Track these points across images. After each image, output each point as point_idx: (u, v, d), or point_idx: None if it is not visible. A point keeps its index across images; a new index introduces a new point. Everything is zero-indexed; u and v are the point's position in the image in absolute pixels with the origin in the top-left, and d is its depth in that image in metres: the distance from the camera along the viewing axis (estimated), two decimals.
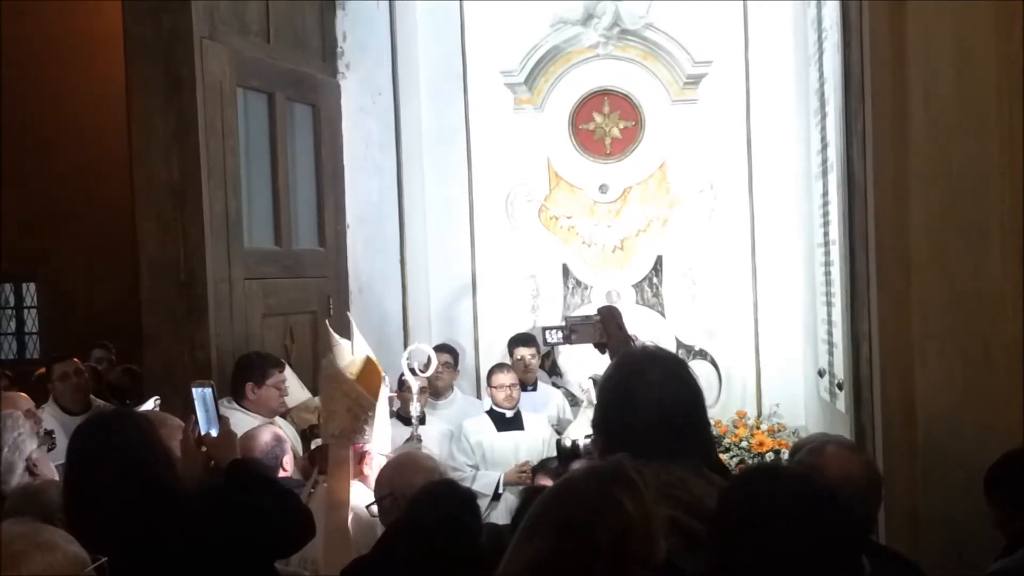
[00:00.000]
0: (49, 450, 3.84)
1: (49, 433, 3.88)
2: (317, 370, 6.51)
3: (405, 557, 2.90)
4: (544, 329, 6.53)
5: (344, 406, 4.14)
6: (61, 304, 12.25)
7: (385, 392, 4.59)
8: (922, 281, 4.13)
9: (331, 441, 4.01)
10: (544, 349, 7.04)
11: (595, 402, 2.72)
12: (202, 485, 3.15)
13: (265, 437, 4.38)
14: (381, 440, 4.41)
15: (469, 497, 3.00)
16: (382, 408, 4.43)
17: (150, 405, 5.43)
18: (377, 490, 3.69)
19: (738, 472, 2.31)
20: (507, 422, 6.57)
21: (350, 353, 5.88)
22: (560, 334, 6.11)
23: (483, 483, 6.25)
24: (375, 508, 3.66)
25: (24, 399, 6.23)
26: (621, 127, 7.49)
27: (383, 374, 4.60)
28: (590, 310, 7.49)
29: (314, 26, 7.15)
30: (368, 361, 4.52)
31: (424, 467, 3.41)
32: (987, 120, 4.04)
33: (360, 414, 4.16)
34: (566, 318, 6.19)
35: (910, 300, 4.16)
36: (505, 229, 7.57)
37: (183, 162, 5.65)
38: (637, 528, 1.90)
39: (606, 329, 4.77)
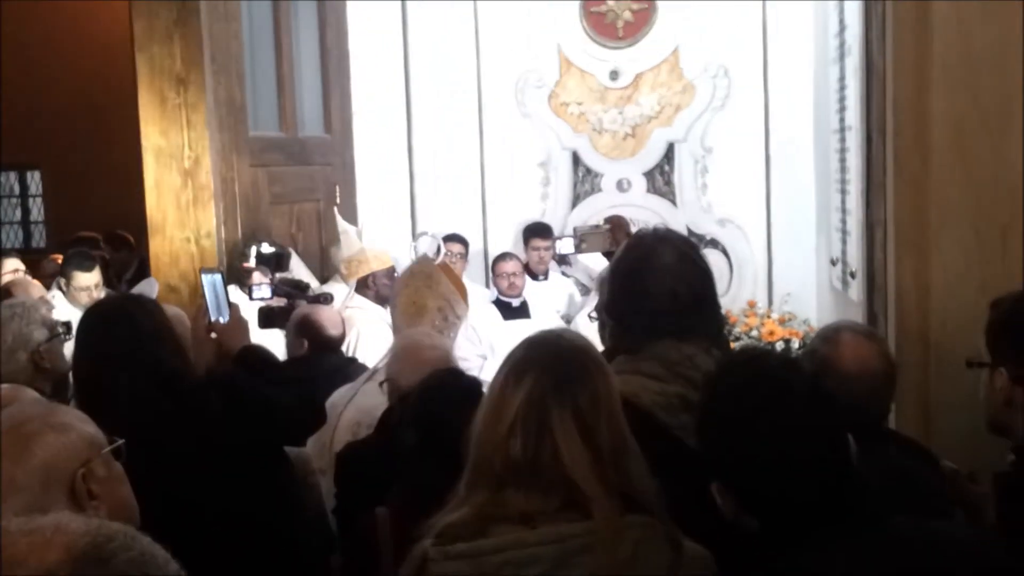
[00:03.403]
0: (65, 341, 3.80)
1: (66, 324, 3.83)
2: (324, 258, 6.51)
3: (409, 446, 2.89)
4: (554, 239, 6.53)
5: (436, 305, 4.19)
6: (67, 192, 12.19)
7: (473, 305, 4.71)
8: (941, 167, 4.07)
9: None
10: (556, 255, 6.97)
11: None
12: (211, 372, 3.14)
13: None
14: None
15: (475, 387, 2.98)
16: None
17: (153, 288, 5.43)
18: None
19: (724, 358, 2.28)
20: (514, 311, 6.55)
21: (359, 241, 5.87)
22: (572, 243, 6.09)
23: (491, 372, 6.24)
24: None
25: (36, 287, 6.22)
26: (634, 9, 7.32)
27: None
28: (600, 199, 7.49)
29: None
30: (447, 268, 4.59)
31: (426, 356, 3.38)
32: (1012, 1, 3.92)
33: (450, 316, 4.21)
34: (576, 228, 6.16)
35: (928, 187, 4.10)
36: (514, 116, 7.46)
37: (185, 48, 5.54)
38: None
39: (615, 238, 4.75)
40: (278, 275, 5.30)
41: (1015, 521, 2.13)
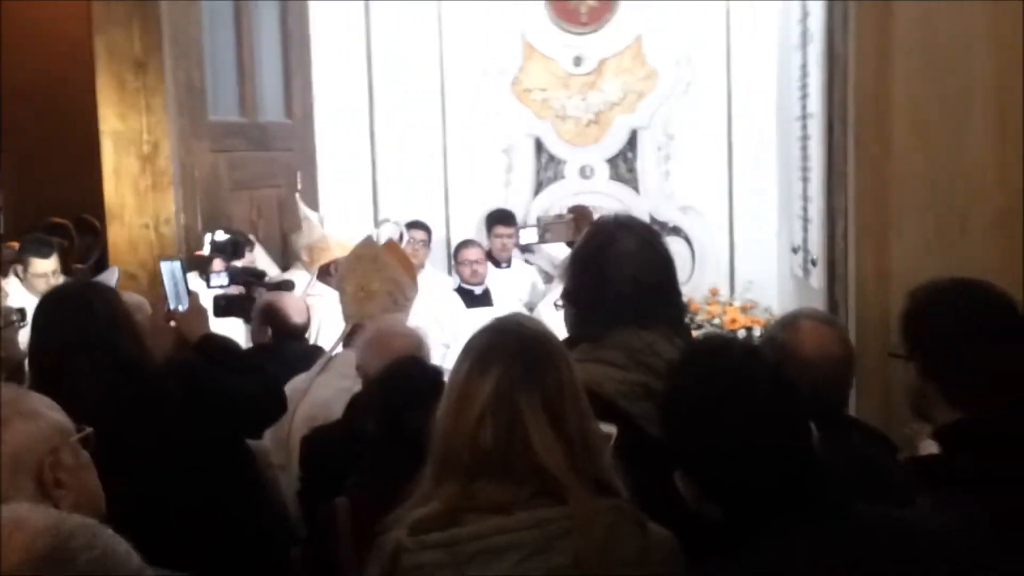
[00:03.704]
0: (19, 329, 3.73)
1: (20, 311, 3.77)
2: (285, 245, 6.45)
3: (372, 435, 2.88)
4: (518, 228, 6.52)
5: (385, 289, 4.14)
6: (25, 178, 12.03)
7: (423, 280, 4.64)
8: (901, 155, 4.11)
9: (367, 321, 3.99)
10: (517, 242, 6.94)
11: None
12: (170, 360, 3.11)
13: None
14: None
15: (437, 376, 2.96)
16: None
17: (113, 275, 5.36)
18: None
19: (685, 347, 2.28)
20: (476, 299, 6.53)
21: (320, 228, 5.83)
22: (535, 233, 6.09)
23: (453, 360, 6.23)
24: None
25: None
26: None
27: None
28: (563, 186, 7.48)
29: None
30: (392, 245, 4.52)
31: (395, 344, 3.36)
32: None
33: (399, 299, 4.16)
34: (539, 218, 6.16)
35: (888, 174, 4.14)
36: (477, 102, 7.42)
37: (144, 31, 5.47)
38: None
39: (579, 227, 4.73)
40: (235, 263, 5.23)
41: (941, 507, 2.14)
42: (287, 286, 5.03)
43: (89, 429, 2.02)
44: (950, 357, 2.33)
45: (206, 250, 5.30)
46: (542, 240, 5.46)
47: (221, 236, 5.36)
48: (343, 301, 4.28)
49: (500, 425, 1.87)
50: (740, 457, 1.85)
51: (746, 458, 1.85)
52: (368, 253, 4.34)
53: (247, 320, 4.75)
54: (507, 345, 1.94)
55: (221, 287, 4.80)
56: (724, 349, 2.09)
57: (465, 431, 1.88)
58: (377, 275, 4.22)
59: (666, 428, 1.99)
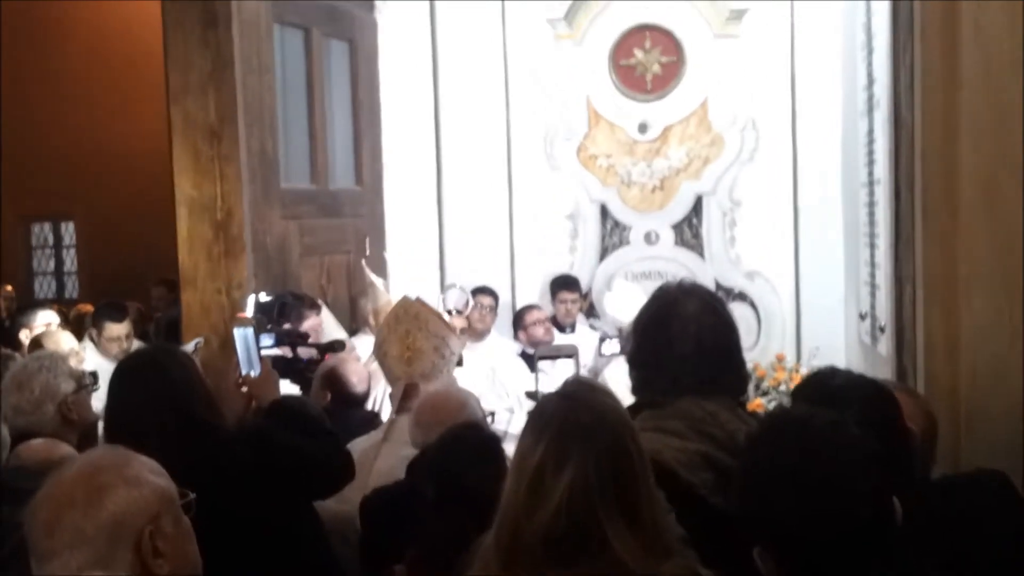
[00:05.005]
0: (92, 392, 3.82)
1: (93, 375, 3.85)
2: (354, 310, 6.53)
3: (430, 498, 2.89)
4: (600, 340, 6.54)
5: (431, 345, 4.11)
6: (99, 243, 12.31)
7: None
8: (969, 221, 4.05)
9: (419, 380, 3.99)
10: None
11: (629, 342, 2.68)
12: (242, 424, 3.16)
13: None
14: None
15: (493, 442, 2.98)
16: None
17: (191, 347, 5.45)
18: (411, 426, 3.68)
19: (766, 415, 2.26)
20: None
21: (386, 292, 5.89)
22: (617, 343, 6.10)
23: (519, 425, 6.23)
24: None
25: (67, 338, 6.27)
26: (663, 62, 7.38)
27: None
28: (628, 252, 7.50)
29: None
30: (424, 303, 4.51)
31: (449, 410, 3.37)
32: None
33: (446, 353, 4.14)
34: (620, 329, 6.18)
35: (956, 241, 4.08)
36: (543, 168, 7.51)
37: (219, 100, 5.62)
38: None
39: None
40: (290, 325, 5.22)
41: None
42: (337, 346, 5.03)
43: (192, 495, 2.00)
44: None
45: (249, 312, 5.30)
46: (624, 352, 5.43)
47: (264, 297, 5.38)
48: (387, 364, 4.22)
49: (576, 522, 1.84)
50: (823, 530, 1.82)
51: (829, 531, 1.82)
52: (409, 312, 4.29)
53: (294, 381, 4.73)
54: (581, 429, 1.90)
55: (266, 348, 4.79)
56: (807, 420, 2.03)
57: (539, 527, 1.85)
58: (421, 333, 4.17)
59: (744, 499, 1.96)
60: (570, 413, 1.93)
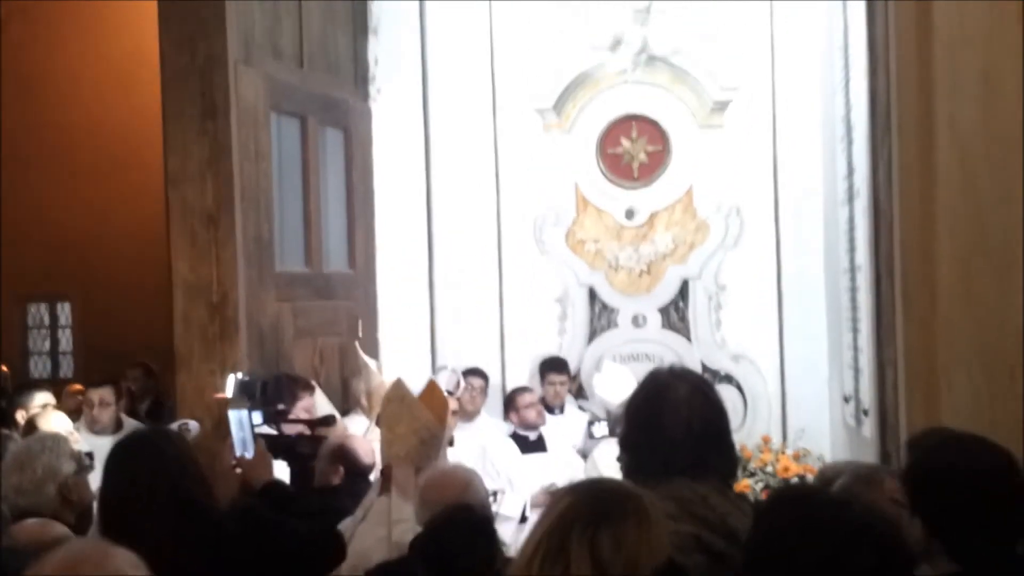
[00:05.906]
0: (89, 472, 3.86)
1: (89, 455, 3.89)
2: (346, 391, 6.59)
3: None
4: (589, 423, 6.62)
5: (411, 428, 4.17)
6: (95, 324, 12.34)
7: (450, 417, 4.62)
8: (948, 308, 4.13)
9: (395, 462, 4.04)
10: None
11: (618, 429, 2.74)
12: (235, 505, 3.21)
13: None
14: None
15: (485, 522, 3.03)
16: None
17: (193, 428, 5.46)
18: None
19: (773, 492, 2.30)
20: (531, 445, 6.61)
21: (379, 374, 5.96)
22: (605, 426, 6.18)
23: (509, 506, 6.28)
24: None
25: (64, 419, 6.30)
26: (649, 151, 7.54)
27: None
28: (616, 334, 7.58)
29: (347, 51, 7.24)
30: (432, 385, 4.57)
31: (457, 487, 3.42)
32: (1014, 148, 4.02)
33: (427, 438, 4.19)
34: (609, 412, 6.25)
35: (936, 326, 4.16)
36: (532, 252, 7.62)
37: (217, 186, 5.73)
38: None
39: None
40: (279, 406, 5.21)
41: None
42: (329, 420, 5.07)
43: None
44: (953, 519, 2.40)
45: (228, 392, 5.29)
46: (613, 433, 5.49)
47: (244, 377, 5.37)
48: (379, 445, 4.31)
49: None
50: None
51: None
52: (396, 395, 4.37)
53: (283, 458, 4.73)
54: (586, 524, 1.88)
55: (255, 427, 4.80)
56: (812, 498, 2.07)
57: None
58: (403, 417, 4.25)
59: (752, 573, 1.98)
60: (577, 515, 1.90)
